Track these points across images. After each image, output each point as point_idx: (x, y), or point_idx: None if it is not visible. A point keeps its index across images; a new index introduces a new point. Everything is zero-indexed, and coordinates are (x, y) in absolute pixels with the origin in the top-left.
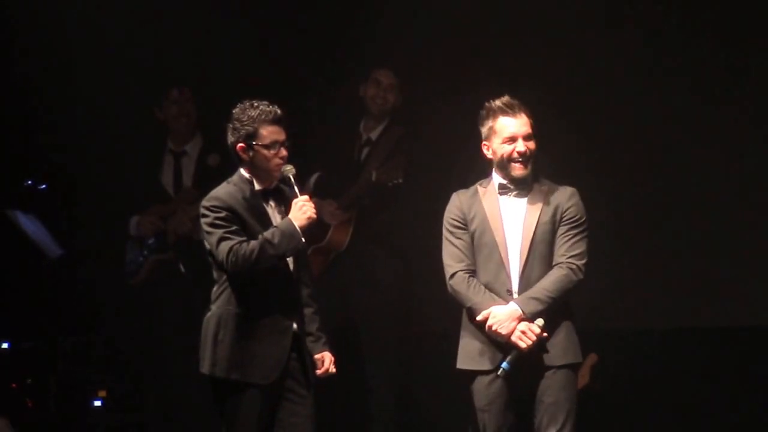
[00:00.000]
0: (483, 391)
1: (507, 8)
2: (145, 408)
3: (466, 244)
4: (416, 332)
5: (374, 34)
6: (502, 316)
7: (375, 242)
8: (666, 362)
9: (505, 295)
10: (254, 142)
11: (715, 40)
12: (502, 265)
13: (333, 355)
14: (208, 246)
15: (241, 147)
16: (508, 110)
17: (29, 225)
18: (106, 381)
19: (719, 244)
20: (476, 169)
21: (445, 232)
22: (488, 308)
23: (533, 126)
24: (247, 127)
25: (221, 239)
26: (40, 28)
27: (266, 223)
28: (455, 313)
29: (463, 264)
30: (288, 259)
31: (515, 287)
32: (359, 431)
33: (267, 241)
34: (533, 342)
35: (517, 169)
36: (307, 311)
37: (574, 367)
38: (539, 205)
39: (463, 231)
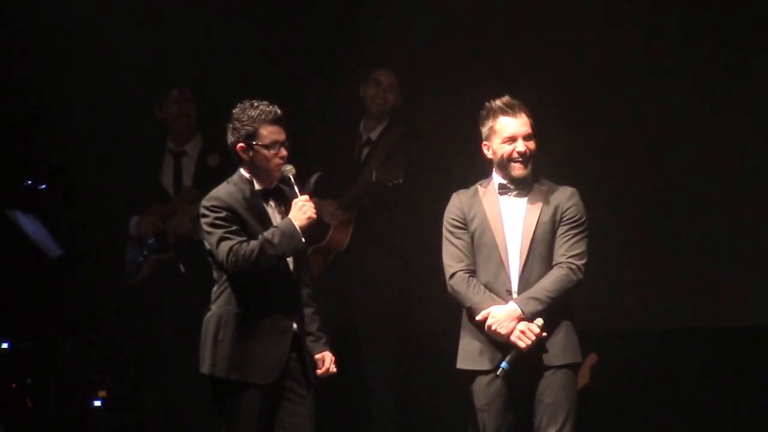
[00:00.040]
0: (482, 391)
1: (507, 8)
2: (145, 408)
3: (466, 244)
4: (416, 332)
5: (374, 34)
6: (502, 315)
7: (375, 242)
8: (666, 362)
9: (505, 295)
10: (254, 142)
11: (715, 40)
12: (501, 265)
13: (333, 354)
14: (208, 246)
15: (241, 147)
16: (508, 110)
17: (29, 225)
18: (106, 381)
19: (719, 244)
20: (476, 169)
21: (445, 232)
22: (488, 308)
23: (533, 126)
24: (247, 127)
25: (221, 239)
26: (40, 28)
27: (266, 223)
28: (455, 313)
29: (463, 264)
30: (288, 259)
31: (515, 287)
32: (359, 431)
33: (267, 241)
34: (532, 342)
35: (517, 169)
36: (307, 311)
37: (573, 367)
38: (539, 205)
39: (463, 231)
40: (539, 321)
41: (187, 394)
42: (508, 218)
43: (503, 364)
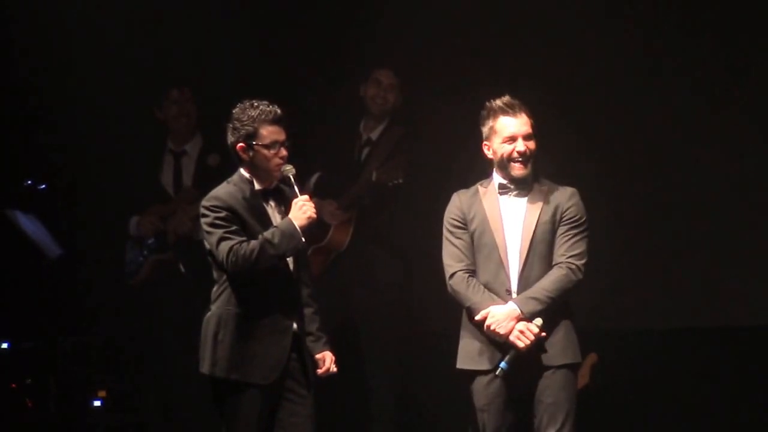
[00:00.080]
0: (482, 391)
1: (507, 8)
2: (145, 408)
3: (466, 244)
4: (416, 332)
5: (374, 34)
6: (501, 315)
7: (375, 242)
8: (666, 362)
9: (505, 295)
10: (254, 142)
11: (715, 40)
12: (501, 265)
13: (333, 354)
14: (208, 246)
15: (241, 147)
16: (508, 110)
17: (29, 225)
18: (106, 381)
19: (719, 244)
20: (476, 169)
21: (445, 232)
22: (487, 308)
23: (533, 126)
24: (247, 127)
25: (221, 239)
26: (40, 28)
27: (266, 223)
28: (455, 313)
29: (463, 264)
30: (288, 259)
31: (514, 287)
32: (359, 431)
33: (267, 241)
34: (531, 342)
35: (517, 169)
36: (307, 311)
37: (573, 367)
38: (539, 205)
39: (463, 231)
40: (538, 321)
41: (187, 394)
42: (508, 218)
43: (502, 364)
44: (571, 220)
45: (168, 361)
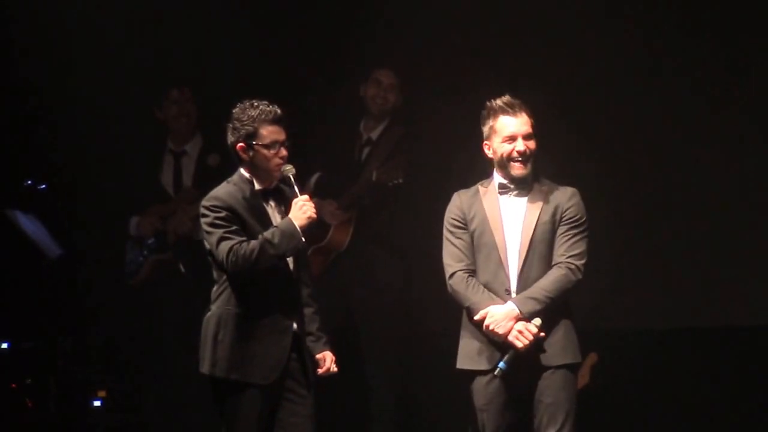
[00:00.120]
0: (482, 391)
1: (507, 8)
2: (145, 408)
3: (466, 243)
4: (416, 332)
5: (374, 34)
6: (499, 315)
7: (375, 242)
8: (666, 362)
9: (504, 295)
10: (254, 142)
11: (715, 40)
12: (501, 265)
13: (333, 354)
14: (208, 246)
15: (241, 147)
16: (508, 109)
17: (29, 225)
18: (106, 381)
19: (719, 244)
20: (476, 169)
21: (445, 232)
22: (486, 308)
23: (534, 126)
24: (247, 127)
25: (221, 239)
26: (40, 28)
27: (266, 223)
28: (455, 313)
29: (463, 264)
30: (288, 259)
31: (514, 287)
32: (359, 431)
33: (267, 241)
34: (530, 342)
35: (517, 169)
36: (307, 311)
37: (572, 367)
38: (539, 205)
39: (463, 231)
40: (537, 321)
41: (187, 394)
42: (508, 218)
43: (501, 364)
44: (571, 220)
45: (168, 361)
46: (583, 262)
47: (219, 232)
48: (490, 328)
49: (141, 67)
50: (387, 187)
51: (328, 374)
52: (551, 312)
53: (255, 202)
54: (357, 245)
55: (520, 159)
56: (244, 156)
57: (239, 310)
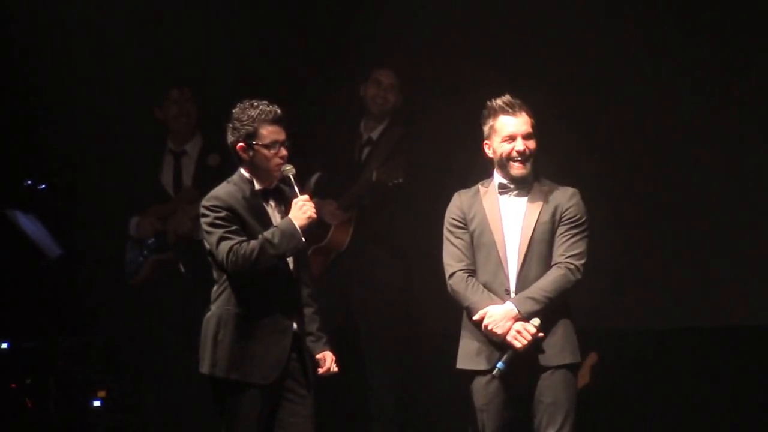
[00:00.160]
0: (481, 391)
1: (507, 8)
2: (145, 408)
3: (465, 243)
4: (416, 332)
5: (374, 34)
6: (498, 315)
7: (375, 242)
8: (666, 362)
9: (503, 295)
10: (254, 142)
11: (715, 40)
12: (500, 265)
13: (333, 354)
14: (208, 246)
15: (241, 147)
16: (508, 109)
17: (29, 225)
18: (106, 381)
19: (719, 244)
20: (476, 168)
21: (445, 232)
22: (485, 308)
23: (534, 126)
24: (247, 127)
25: (221, 239)
26: (40, 28)
27: (266, 222)
28: (455, 313)
29: (463, 264)
30: (288, 259)
31: (513, 287)
32: (359, 431)
33: (267, 241)
34: (528, 342)
35: (516, 168)
36: (308, 311)
37: (572, 368)
38: (539, 205)
39: (463, 231)
40: (536, 321)
41: (187, 394)
42: (508, 218)
43: (499, 364)
44: (571, 220)
45: (168, 361)
46: (582, 262)
47: (219, 232)
48: (489, 328)
49: (141, 67)
50: (387, 187)
51: (329, 374)
52: (551, 312)
53: (255, 202)
54: (357, 245)
55: (519, 159)
56: (244, 156)
57: (239, 310)
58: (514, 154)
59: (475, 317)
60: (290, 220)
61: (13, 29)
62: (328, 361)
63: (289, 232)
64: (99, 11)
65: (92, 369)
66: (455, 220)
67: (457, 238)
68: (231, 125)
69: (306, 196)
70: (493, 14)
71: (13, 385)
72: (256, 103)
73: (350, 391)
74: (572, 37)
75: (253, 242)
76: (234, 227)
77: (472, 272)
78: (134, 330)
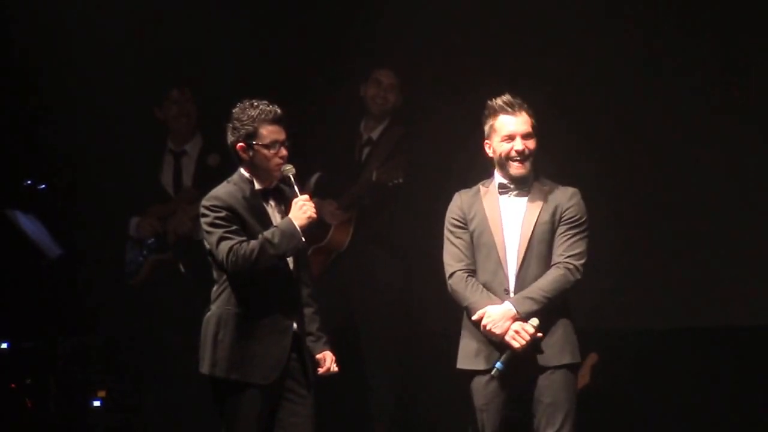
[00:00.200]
0: (481, 391)
1: (507, 8)
2: (145, 408)
3: (466, 243)
4: (416, 332)
5: (374, 34)
6: (496, 315)
7: (375, 242)
8: (666, 362)
9: (503, 295)
10: (254, 142)
11: (715, 40)
12: (500, 265)
13: (333, 354)
14: (208, 246)
15: (241, 146)
16: (507, 109)
17: (29, 225)
18: (106, 381)
19: (719, 244)
20: (476, 169)
21: (446, 232)
22: (484, 307)
23: (534, 125)
24: (247, 127)
25: (221, 239)
26: (40, 28)
27: (266, 222)
28: (455, 313)
29: (463, 263)
30: (288, 258)
31: (512, 287)
32: (359, 431)
33: (267, 241)
34: (527, 342)
35: (515, 168)
36: (308, 311)
37: (572, 368)
38: (539, 205)
39: (463, 230)
40: (534, 321)
41: (187, 394)
42: (508, 218)
43: (498, 365)
44: (571, 219)
45: (168, 361)
46: (582, 262)
47: (219, 231)
48: (487, 328)
49: (141, 67)
50: (387, 187)
51: (329, 374)
52: (550, 312)
53: (255, 202)
54: (357, 245)
55: (518, 158)
56: (244, 156)
57: (239, 310)
58: (513, 153)
59: (474, 317)
60: (290, 220)
61: (13, 29)
62: (328, 361)
63: (289, 232)
64: (99, 11)
65: (92, 369)
66: (455, 219)
67: (457, 237)
68: (231, 125)
69: (306, 196)
70: (493, 14)
71: (13, 385)
72: (256, 103)
73: (350, 391)
74: (572, 37)
75: (253, 242)
76: (234, 227)
77: (472, 272)
78: (134, 330)
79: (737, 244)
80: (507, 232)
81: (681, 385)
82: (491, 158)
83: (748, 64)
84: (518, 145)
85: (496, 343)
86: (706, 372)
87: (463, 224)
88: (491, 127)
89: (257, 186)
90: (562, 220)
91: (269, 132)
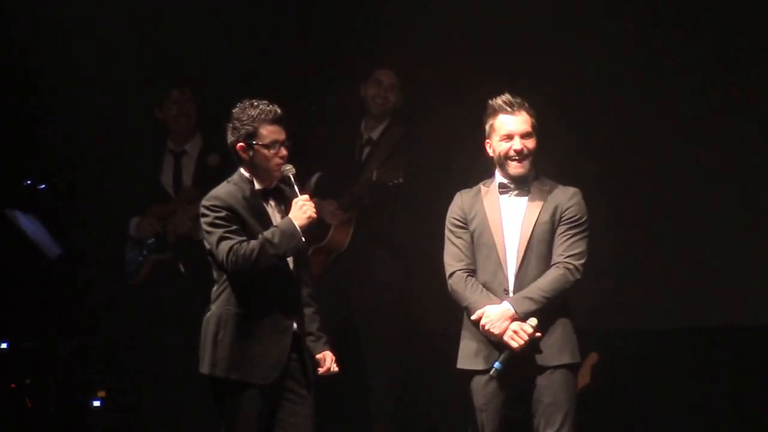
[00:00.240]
0: (480, 391)
1: (507, 8)
2: (145, 408)
3: (466, 243)
4: (416, 332)
5: (374, 34)
6: (495, 315)
7: (375, 242)
8: (666, 362)
9: (503, 295)
10: (254, 142)
11: (715, 40)
12: (500, 265)
13: (333, 354)
14: (208, 246)
15: (241, 146)
16: (507, 108)
17: (29, 225)
18: (106, 381)
19: (719, 244)
20: (477, 169)
21: (446, 231)
22: (483, 307)
23: (534, 125)
24: (247, 127)
25: (221, 239)
26: (40, 28)
27: (266, 222)
28: (455, 313)
29: (463, 263)
30: (288, 258)
31: (511, 287)
32: (359, 431)
33: (267, 241)
34: (525, 342)
35: (514, 167)
36: (308, 311)
37: (572, 368)
38: (539, 204)
39: (463, 230)
40: (533, 321)
41: (187, 394)
42: (508, 218)
43: (496, 365)
44: (571, 219)
45: (168, 361)
46: (582, 262)
47: (219, 231)
48: (486, 328)
49: (141, 67)
50: (387, 187)
51: (329, 374)
52: (550, 312)
53: (255, 202)
54: (357, 245)
55: (517, 158)
56: (244, 156)
57: (239, 310)
58: (512, 153)
59: (473, 317)
60: (290, 220)
61: (13, 29)
62: (328, 361)
63: (289, 231)
64: (99, 11)
65: (92, 369)
66: (456, 219)
67: (458, 237)
68: (231, 125)
69: (306, 196)
70: (493, 14)
71: (13, 385)
72: (256, 103)
73: (350, 391)
74: (572, 37)
75: (253, 242)
76: (234, 227)
77: (472, 272)
78: (134, 330)
79: (737, 244)
80: (507, 232)
81: (681, 385)
82: (492, 158)
83: (748, 64)
84: (517, 144)
85: (495, 343)
86: (706, 372)
87: (464, 224)
88: (491, 126)
89: (257, 186)
90: (562, 219)
91: (269, 132)
